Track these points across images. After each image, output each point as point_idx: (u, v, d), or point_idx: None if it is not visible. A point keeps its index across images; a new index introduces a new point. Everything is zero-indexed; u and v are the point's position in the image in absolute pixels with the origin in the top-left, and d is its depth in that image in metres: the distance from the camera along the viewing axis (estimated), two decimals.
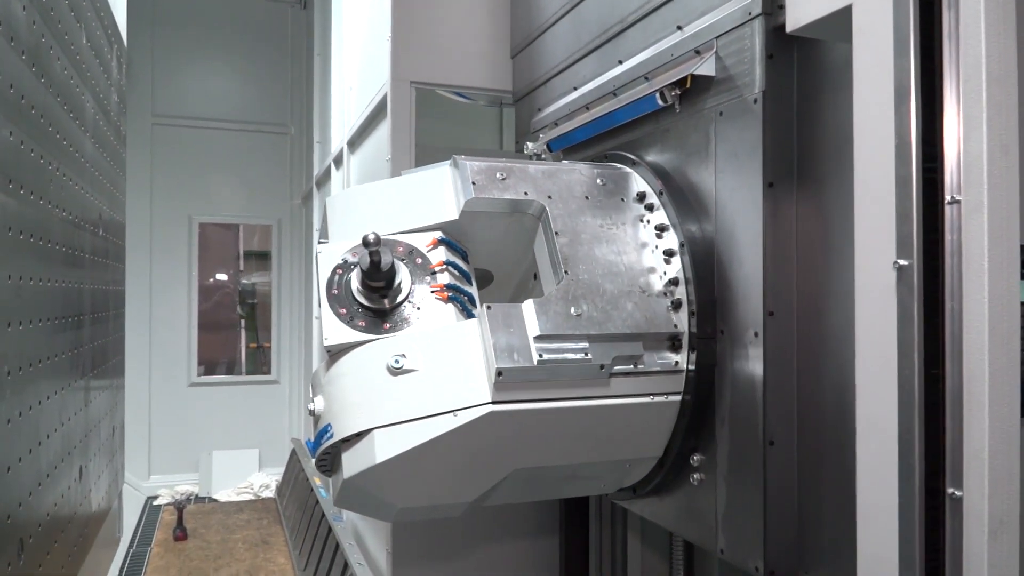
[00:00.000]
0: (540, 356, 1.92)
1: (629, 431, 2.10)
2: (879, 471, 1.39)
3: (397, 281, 2.08)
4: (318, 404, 2.04)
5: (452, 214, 2.18)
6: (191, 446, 8.41)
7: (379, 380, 1.94)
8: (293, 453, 7.64)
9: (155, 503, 7.85)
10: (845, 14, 1.47)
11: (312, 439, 2.08)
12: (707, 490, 2.14)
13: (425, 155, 3.82)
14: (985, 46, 1.30)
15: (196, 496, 8.13)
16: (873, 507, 1.40)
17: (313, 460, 2.10)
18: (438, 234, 2.18)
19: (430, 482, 1.96)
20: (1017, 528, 1.31)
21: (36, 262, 2.66)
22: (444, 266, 2.13)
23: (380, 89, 4.00)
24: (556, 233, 2.15)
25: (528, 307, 1.98)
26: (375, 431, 1.88)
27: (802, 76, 1.97)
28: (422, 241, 2.16)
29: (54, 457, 2.92)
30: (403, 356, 1.92)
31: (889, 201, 1.36)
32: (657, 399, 2.09)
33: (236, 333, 9.39)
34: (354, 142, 5.10)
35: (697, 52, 2.16)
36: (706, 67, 2.09)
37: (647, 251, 2.21)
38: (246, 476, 8.41)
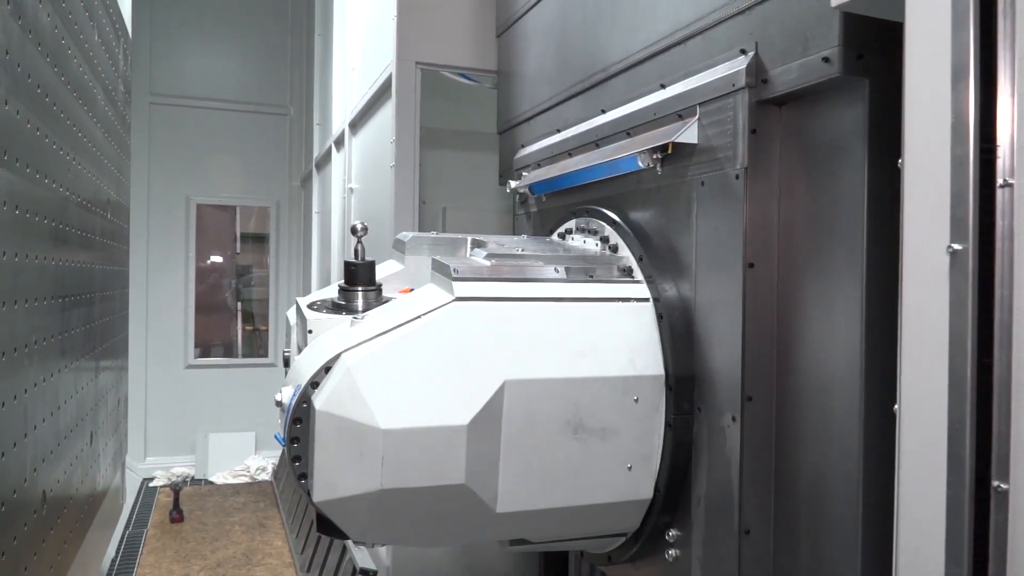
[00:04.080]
0: (493, 261, 2.14)
1: (613, 340, 2.08)
2: (926, 463, 1.34)
3: (378, 282, 2.31)
4: (285, 393, 1.99)
5: (400, 266, 2.56)
6: (187, 428, 8.37)
7: (344, 329, 2.03)
8: None
9: (151, 485, 7.82)
10: None
11: (282, 432, 1.99)
12: (682, 567, 2.10)
13: (429, 137, 3.76)
14: None
15: (192, 478, 8.10)
16: (917, 501, 1.36)
17: (286, 452, 2.01)
18: (406, 285, 2.49)
19: (413, 390, 1.88)
20: None
21: (55, 244, 2.88)
22: None
23: (384, 69, 3.93)
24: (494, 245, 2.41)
25: (474, 254, 2.21)
26: (343, 354, 1.89)
27: (785, 151, 1.90)
28: (395, 293, 2.43)
29: (70, 421, 3.16)
30: (364, 316, 2.06)
31: (944, 183, 1.30)
32: (629, 303, 2.15)
33: (232, 316, 9.33)
34: (356, 124, 5.02)
35: (680, 116, 2.12)
36: (688, 135, 2.04)
37: (580, 242, 2.55)
38: (242, 459, 8.38)
